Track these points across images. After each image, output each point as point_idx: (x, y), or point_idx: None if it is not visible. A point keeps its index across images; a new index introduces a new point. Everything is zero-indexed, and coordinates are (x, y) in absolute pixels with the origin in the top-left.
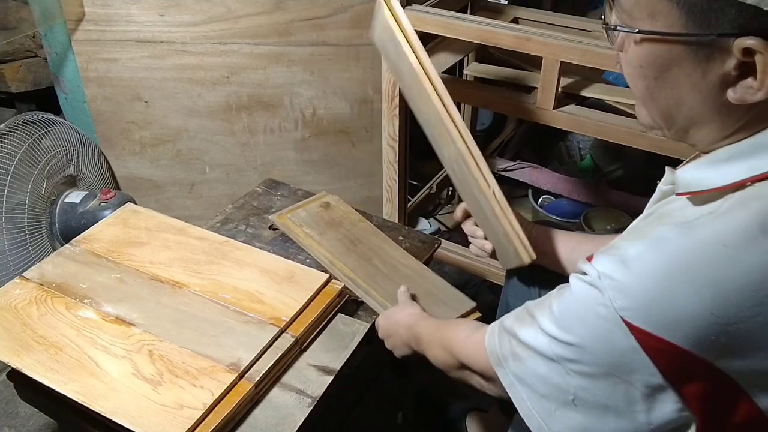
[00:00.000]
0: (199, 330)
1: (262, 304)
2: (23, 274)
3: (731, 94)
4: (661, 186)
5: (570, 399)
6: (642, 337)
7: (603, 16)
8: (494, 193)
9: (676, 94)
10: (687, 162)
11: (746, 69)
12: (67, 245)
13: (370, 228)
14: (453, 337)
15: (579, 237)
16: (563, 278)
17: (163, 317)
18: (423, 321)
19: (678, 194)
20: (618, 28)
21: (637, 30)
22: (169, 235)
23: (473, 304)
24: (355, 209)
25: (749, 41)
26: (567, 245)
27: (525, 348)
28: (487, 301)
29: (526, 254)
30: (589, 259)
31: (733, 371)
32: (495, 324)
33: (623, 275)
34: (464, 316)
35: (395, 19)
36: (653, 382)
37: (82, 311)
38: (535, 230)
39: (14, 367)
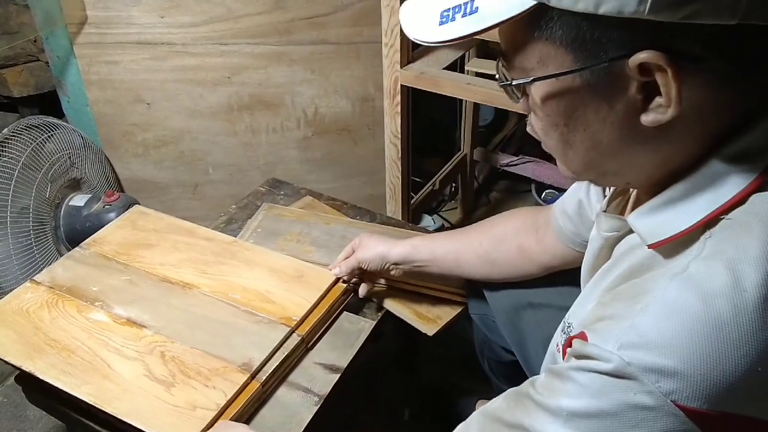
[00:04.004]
0: (211, 331)
1: (272, 304)
2: (34, 278)
3: (644, 119)
4: (603, 233)
5: None
6: (701, 418)
7: (497, 77)
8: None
9: (590, 134)
10: (630, 207)
11: (650, 89)
12: (76, 248)
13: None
14: None
15: (456, 238)
16: (520, 287)
17: (174, 318)
18: None
19: (650, 246)
20: (513, 81)
21: (531, 78)
22: (178, 236)
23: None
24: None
25: (641, 56)
26: (449, 254)
27: None
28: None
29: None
30: (580, 336)
31: None
32: None
33: (655, 354)
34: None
35: None
36: None
37: (93, 314)
38: (413, 254)
39: (27, 370)
